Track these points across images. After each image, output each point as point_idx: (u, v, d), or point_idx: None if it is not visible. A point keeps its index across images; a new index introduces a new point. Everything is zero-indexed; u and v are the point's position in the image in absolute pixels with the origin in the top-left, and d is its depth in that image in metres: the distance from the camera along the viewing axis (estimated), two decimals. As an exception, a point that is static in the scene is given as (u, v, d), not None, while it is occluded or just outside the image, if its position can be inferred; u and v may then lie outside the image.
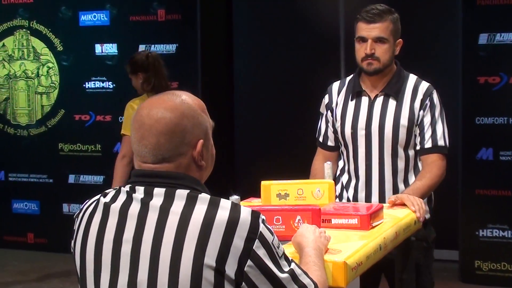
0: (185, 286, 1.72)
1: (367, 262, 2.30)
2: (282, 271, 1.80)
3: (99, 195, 1.94)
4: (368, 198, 3.38)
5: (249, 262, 1.74)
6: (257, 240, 1.76)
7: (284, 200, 2.79)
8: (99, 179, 7.06)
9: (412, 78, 3.41)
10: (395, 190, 3.34)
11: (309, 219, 2.38)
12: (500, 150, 5.86)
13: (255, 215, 1.78)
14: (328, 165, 3.25)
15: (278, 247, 1.82)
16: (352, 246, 2.28)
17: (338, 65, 6.65)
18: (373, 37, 3.28)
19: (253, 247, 1.75)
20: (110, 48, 6.94)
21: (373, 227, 2.58)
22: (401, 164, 3.36)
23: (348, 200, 3.41)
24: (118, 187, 1.91)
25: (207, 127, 1.92)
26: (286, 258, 1.85)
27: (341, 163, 3.51)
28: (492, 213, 5.91)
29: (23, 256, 6.73)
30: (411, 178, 3.37)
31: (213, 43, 7.03)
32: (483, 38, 5.82)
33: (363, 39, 3.30)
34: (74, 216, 1.96)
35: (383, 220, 2.68)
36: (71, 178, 7.17)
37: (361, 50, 3.31)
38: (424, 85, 3.38)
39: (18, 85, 7.28)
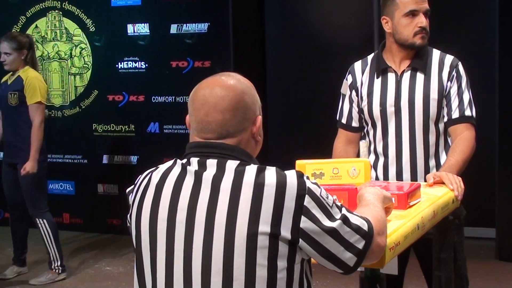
0: (240, 253, 1.80)
1: (404, 242, 2.26)
2: (334, 219, 1.87)
3: (151, 169, 2.02)
4: (399, 176, 3.35)
5: (303, 218, 1.83)
6: (306, 195, 1.84)
7: (319, 179, 2.75)
8: (133, 159, 7.09)
9: (436, 52, 3.38)
10: (426, 166, 3.32)
11: (345, 199, 2.34)
12: (538, 125, 5.77)
13: (299, 174, 1.88)
14: (363, 143, 3.22)
15: (327, 197, 1.90)
16: (390, 225, 2.24)
17: (372, 40, 6.57)
18: (424, 10, 3.28)
19: (304, 203, 1.83)
20: (142, 28, 6.93)
21: (411, 206, 2.54)
22: (432, 139, 3.33)
23: (377, 179, 3.37)
24: (174, 160, 1.98)
25: (260, 104, 2.05)
26: (337, 206, 1.92)
27: (366, 143, 3.46)
28: (530, 190, 5.83)
29: (59, 236, 6.77)
30: (442, 153, 3.34)
31: (245, 21, 6.99)
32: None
33: (414, 13, 3.26)
34: (127, 191, 2.06)
35: (420, 199, 2.64)
36: (105, 159, 7.20)
37: (411, 25, 3.27)
38: (449, 58, 3.36)
39: (51, 67, 7.32)
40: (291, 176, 1.86)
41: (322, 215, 1.85)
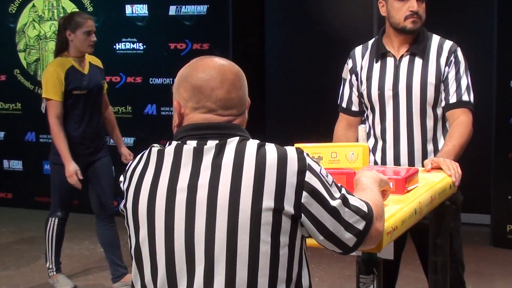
0: (244, 229, 1.79)
1: (402, 227, 2.27)
2: (334, 197, 1.88)
3: (143, 153, 1.97)
4: (396, 160, 3.37)
5: (304, 194, 1.83)
6: (307, 171, 1.85)
7: (317, 163, 2.76)
8: (129, 140, 7.08)
9: (436, 37, 3.41)
10: (424, 150, 3.34)
11: (344, 183, 2.34)
12: (534, 113, 5.78)
13: (299, 150, 1.89)
14: (362, 128, 3.22)
15: (326, 176, 1.91)
16: (387, 210, 2.25)
17: (371, 24, 6.55)
18: None
19: (305, 179, 1.84)
20: (140, 9, 6.91)
21: (408, 191, 2.55)
22: (429, 124, 3.35)
23: (376, 163, 3.40)
24: (169, 142, 1.94)
25: None
26: (336, 185, 1.93)
27: (364, 128, 3.47)
28: (525, 177, 5.84)
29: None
30: (440, 138, 3.36)
31: (244, 4, 6.96)
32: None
33: None
34: (120, 180, 2.00)
35: (418, 184, 2.64)
36: (102, 140, 7.17)
37: (403, 9, 3.29)
38: (448, 43, 3.38)
39: (48, 46, 7.29)
40: (291, 151, 1.86)
41: (323, 190, 1.85)
